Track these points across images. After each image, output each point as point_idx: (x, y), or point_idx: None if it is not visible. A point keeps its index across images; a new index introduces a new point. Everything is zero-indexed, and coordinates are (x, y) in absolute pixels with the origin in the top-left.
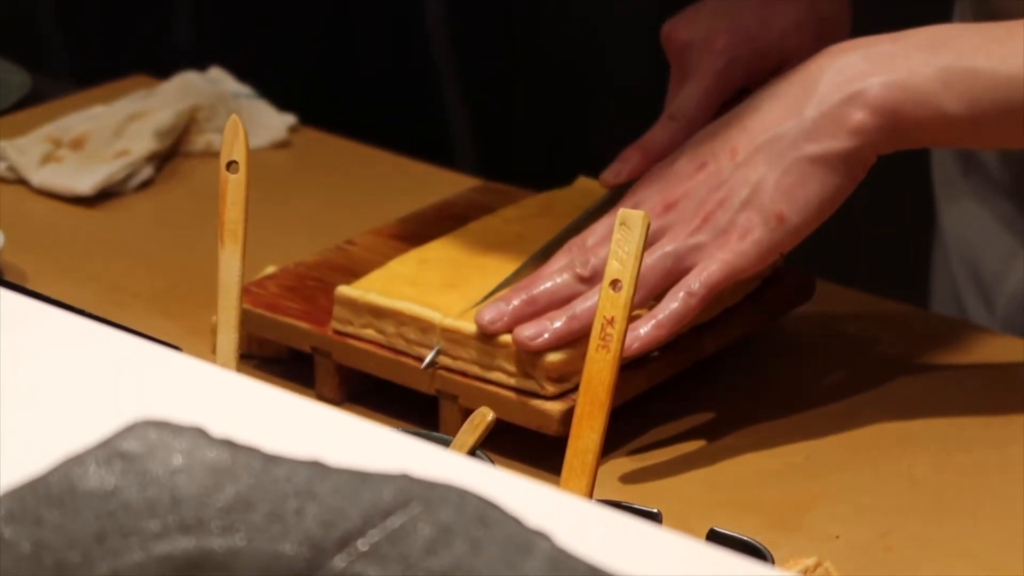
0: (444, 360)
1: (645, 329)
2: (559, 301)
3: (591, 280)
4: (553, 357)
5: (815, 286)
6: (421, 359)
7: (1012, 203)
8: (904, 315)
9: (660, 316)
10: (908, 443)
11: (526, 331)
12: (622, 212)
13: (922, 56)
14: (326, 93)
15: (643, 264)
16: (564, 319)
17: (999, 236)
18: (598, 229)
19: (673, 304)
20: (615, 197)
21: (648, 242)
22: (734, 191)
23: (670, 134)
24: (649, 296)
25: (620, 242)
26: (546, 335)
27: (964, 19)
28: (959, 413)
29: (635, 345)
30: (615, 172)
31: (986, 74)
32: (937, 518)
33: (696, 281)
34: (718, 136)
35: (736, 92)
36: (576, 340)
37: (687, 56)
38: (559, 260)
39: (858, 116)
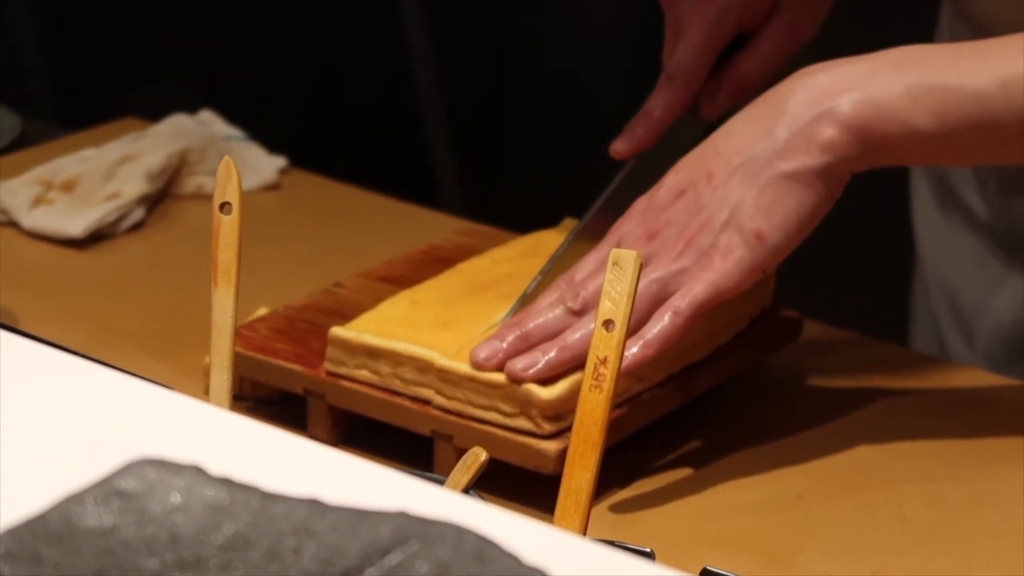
0: (440, 400)
1: (633, 349)
2: (551, 335)
3: (582, 313)
4: (549, 395)
5: (803, 325)
6: (418, 399)
7: (989, 237)
8: (890, 354)
9: (648, 335)
10: (899, 481)
11: (518, 364)
12: (614, 252)
13: (891, 74)
14: (316, 136)
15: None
16: (555, 349)
17: (977, 270)
18: (586, 265)
19: (660, 324)
20: (594, 225)
21: None
22: (714, 214)
23: (670, 96)
24: (638, 325)
25: (613, 282)
26: (538, 365)
27: (951, 28)
28: (949, 451)
29: (623, 364)
30: (625, 145)
31: (955, 89)
32: (928, 556)
33: (682, 301)
34: (694, 164)
35: (731, 40)
36: (569, 372)
37: (679, 7)
38: (549, 296)
39: (829, 133)
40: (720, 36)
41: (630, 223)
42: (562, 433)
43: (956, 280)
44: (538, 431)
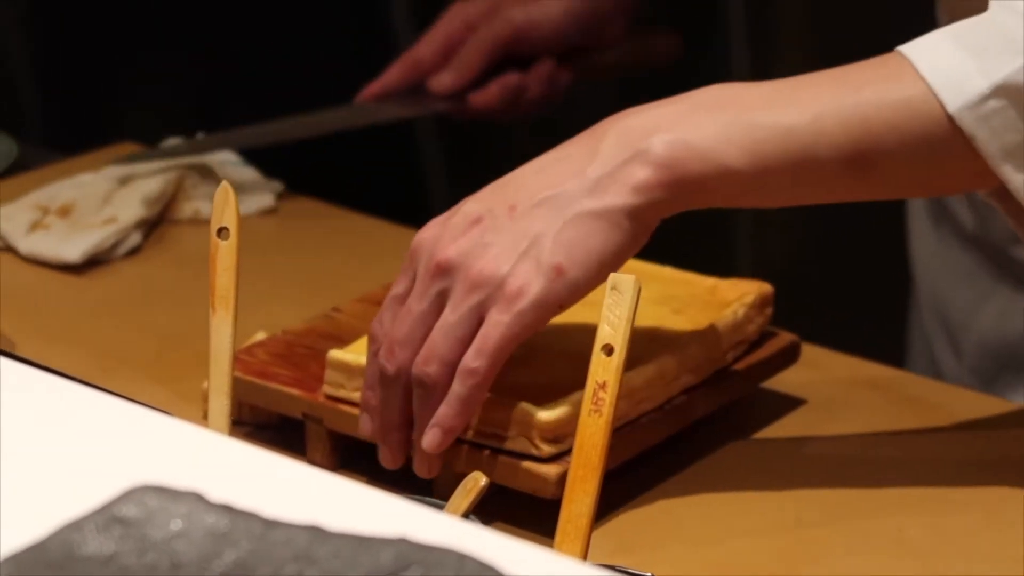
0: None
1: (429, 435)
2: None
3: (396, 379)
4: (549, 416)
5: (800, 349)
6: None
7: (978, 250)
8: (887, 377)
9: (443, 416)
10: (897, 506)
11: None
12: (612, 276)
13: (705, 114)
14: (312, 160)
15: (439, 342)
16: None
17: (966, 284)
18: (385, 315)
19: (458, 390)
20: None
21: (428, 310)
22: (512, 244)
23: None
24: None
25: (611, 306)
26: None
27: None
28: (947, 475)
29: (430, 441)
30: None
31: (768, 126)
32: None
33: (475, 359)
34: (495, 194)
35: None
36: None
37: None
38: (371, 346)
39: (641, 173)
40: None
41: (421, 252)
42: (561, 456)
43: (946, 295)
44: (537, 453)
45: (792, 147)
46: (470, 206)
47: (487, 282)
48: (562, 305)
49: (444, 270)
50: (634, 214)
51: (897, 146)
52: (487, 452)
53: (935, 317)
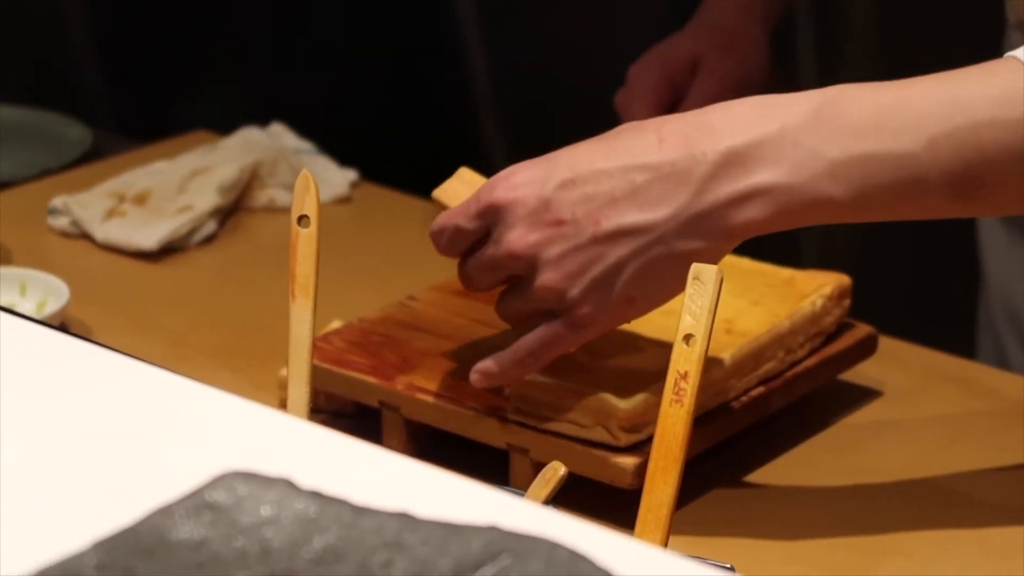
0: (516, 414)
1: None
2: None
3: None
4: (628, 406)
5: (878, 341)
6: (493, 412)
7: None
8: (964, 370)
9: (495, 363)
10: (978, 503)
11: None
12: (695, 267)
13: (814, 142)
14: (385, 148)
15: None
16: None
17: None
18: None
19: (508, 363)
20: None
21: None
22: (587, 265)
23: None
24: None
25: (693, 296)
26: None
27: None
28: None
29: (474, 380)
30: None
31: (878, 156)
32: None
33: (527, 360)
34: (587, 198)
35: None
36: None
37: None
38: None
39: (744, 216)
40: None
41: (499, 213)
42: (638, 446)
43: (1016, 293)
44: (614, 442)
45: (902, 175)
46: (560, 198)
47: (555, 296)
48: (620, 326)
49: (515, 259)
50: (722, 253)
51: (1011, 167)
52: (564, 441)
53: (1004, 314)
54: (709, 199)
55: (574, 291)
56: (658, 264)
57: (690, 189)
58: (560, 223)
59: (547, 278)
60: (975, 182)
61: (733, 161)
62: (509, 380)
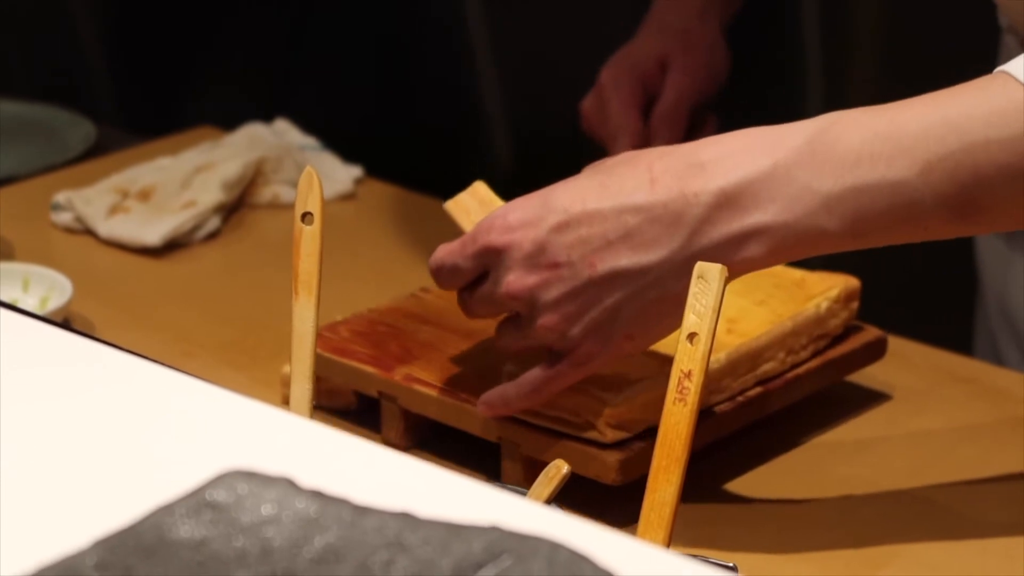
0: None
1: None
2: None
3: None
4: (613, 403)
5: (887, 344)
6: None
7: None
8: (974, 371)
9: (498, 397)
10: (982, 501)
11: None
12: (699, 265)
13: (808, 177)
14: (390, 145)
15: (484, 299)
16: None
17: None
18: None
19: (512, 397)
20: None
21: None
22: (585, 308)
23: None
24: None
25: (697, 295)
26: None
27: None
28: None
29: (480, 411)
30: None
31: (872, 186)
32: None
33: (531, 395)
34: (580, 241)
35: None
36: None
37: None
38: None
39: (742, 255)
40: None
41: (496, 255)
42: (626, 443)
43: (1013, 298)
44: (601, 439)
45: (898, 203)
46: (556, 240)
47: (556, 336)
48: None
49: (514, 300)
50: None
51: (1007, 186)
52: (553, 436)
53: (999, 315)
54: (704, 242)
55: (574, 331)
56: (655, 305)
57: (684, 232)
58: (556, 266)
59: (547, 320)
60: (972, 204)
61: (726, 203)
62: (513, 412)
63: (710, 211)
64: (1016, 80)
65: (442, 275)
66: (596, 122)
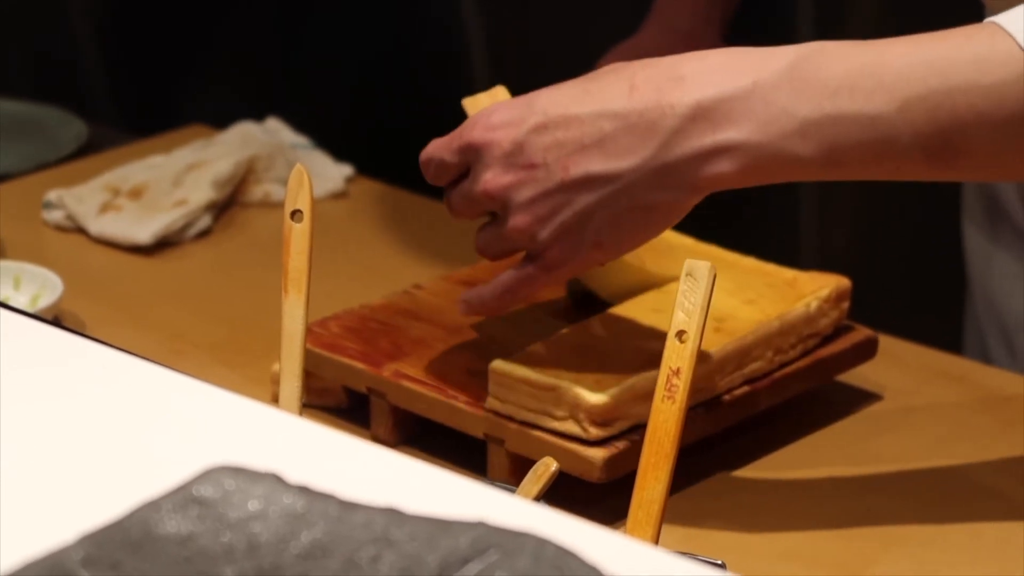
0: (494, 404)
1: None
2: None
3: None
4: (598, 400)
5: (877, 344)
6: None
7: None
8: (965, 370)
9: (478, 296)
10: (970, 497)
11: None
12: (688, 263)
13: (786, 99)
14: (381, 144)
15: (464, 195)
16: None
17: (1021, 285)
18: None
19: (488, 296)
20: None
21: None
22: (556, 210)
23: None
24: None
25: (686, 292)
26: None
27: None
28: (1020, 466)
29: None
30: None
31: (849, 116)
32: (1000, 572)
33: (503, 296)
34: (556, 144)
35: None
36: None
37: None
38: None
39: (715, 170)
40: None
41: (478, 152)
42: (610, 440)
43: (1000, 295)
44: (585, 436)
45: (874, 137)
46: (532, 141)
47: (526, 237)
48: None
49: (489, 198)
50: (693, 203)
51: (985, 133)
52: (537, 432)
53: (989, 314)
54: (675, 153)
55: (543, 234)
56: (624, 213)
57: (657, 141)
58: (532, 167)
59: (518, 220)
60: (947, 146)
61: (701, 116)
62: (490, 312)
63: (684, 122)
64: (1003, 30)
65: (430, 168)
66: None
